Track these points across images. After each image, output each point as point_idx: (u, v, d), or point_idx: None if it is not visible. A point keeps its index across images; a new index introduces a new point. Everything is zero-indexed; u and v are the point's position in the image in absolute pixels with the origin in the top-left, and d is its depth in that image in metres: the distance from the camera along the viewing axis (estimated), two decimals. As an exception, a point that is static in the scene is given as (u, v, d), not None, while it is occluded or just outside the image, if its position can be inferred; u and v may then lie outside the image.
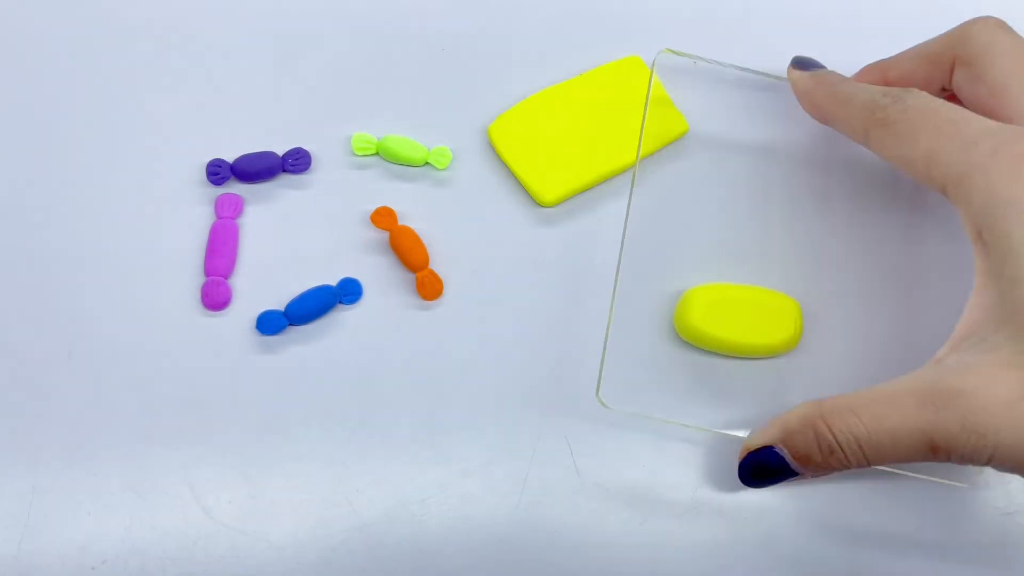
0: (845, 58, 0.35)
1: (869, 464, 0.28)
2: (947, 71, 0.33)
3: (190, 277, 0.35)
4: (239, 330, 0.34)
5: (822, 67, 0.35)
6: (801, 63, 0.35)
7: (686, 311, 0.34)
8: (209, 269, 0.35)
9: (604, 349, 0.33)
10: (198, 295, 0.35)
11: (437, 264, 0.35)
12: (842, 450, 0.28)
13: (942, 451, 0.27)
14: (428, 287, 0.35)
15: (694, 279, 0.35)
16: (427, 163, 0.37)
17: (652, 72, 0.36)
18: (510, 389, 0.34)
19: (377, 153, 0.37)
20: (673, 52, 0.36)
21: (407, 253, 0.35)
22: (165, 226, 0.36)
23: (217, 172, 0.36)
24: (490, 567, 0.32)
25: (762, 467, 0.30)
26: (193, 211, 0.36)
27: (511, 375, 0.34)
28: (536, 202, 0.36)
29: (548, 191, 0.36)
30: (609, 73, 0.38)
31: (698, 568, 0.32)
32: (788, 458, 0.29)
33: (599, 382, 0.32)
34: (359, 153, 0.37)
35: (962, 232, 0.29)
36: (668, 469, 0.33)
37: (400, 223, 0.36)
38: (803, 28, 0.40)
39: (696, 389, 0.34)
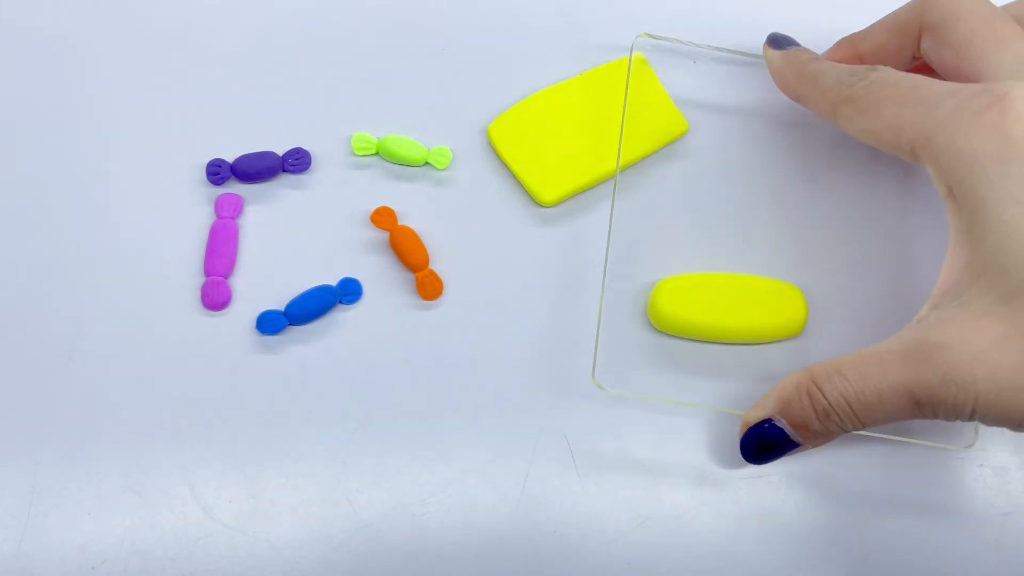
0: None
1: (863, 425, 0.29)
2: (916, 40, 0.33)
3: (190, 277, 0.35)
4: (239, 330, 0.34)
5: (796, 44, 0.35)
6: (775, 41, 0.35)
7: (657, 300, 0.34)
8: (209, 269, 0.35)
9: (597, 334, 0.33)
10: (198, 295, 0.35)
11: (437, 264, 0.35)
12: (835, 412, 0.28)
13: (926, 406, 0.27)
14: (428, 287, 0.35)
15: (685, 269, 0.35)
16: (427, 163, 0.37)
17: (631, 54, 0.36)
18: (510, 389, 0.34)
19: (377, 153, 0.37)
20: (650, 36, 0.37)
21: (407, 253, 0.35)
22: (165, 226, 0.36)
23: (217, 172, 0.36)
24: (490, 567, 0.32)
25: (763, 441, 0.30)
26: (193, 211, 0.36)
27: (511, 375, 0.34)
28: (536, 202, 0.36)
29: (548, 191, 0.36)
30: (609, 73, 0.38)
31: (698, 565, 0.32)
32: (787, 429, 0.30)
33: (594, 366, 0.33)
34: (359, 153, 0.37)
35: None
36: (668, 469, 0.33)
37: (400, 223, 0.36)
38: (804, 26, 0.40)
39: (693, 375, 0.34)
